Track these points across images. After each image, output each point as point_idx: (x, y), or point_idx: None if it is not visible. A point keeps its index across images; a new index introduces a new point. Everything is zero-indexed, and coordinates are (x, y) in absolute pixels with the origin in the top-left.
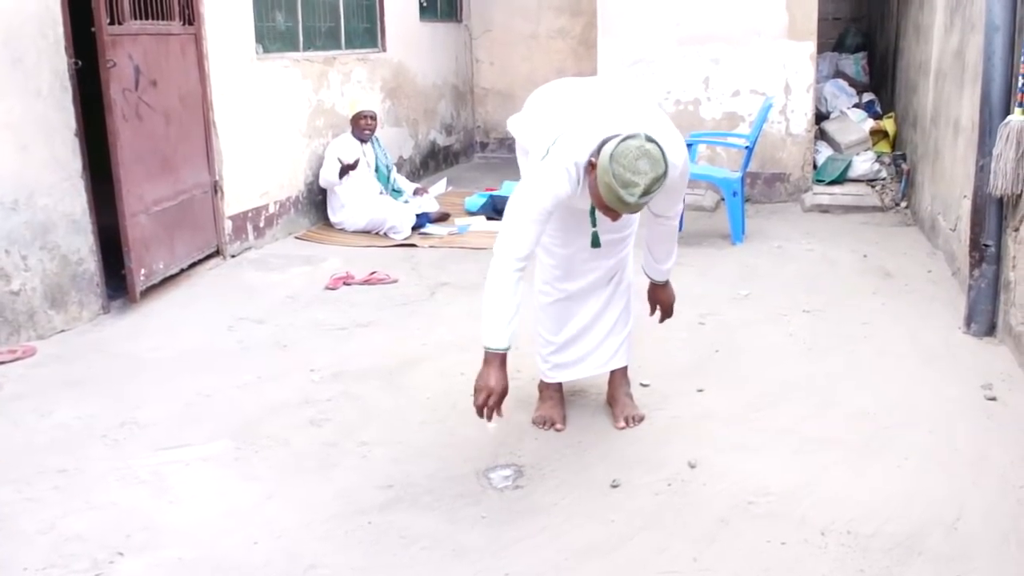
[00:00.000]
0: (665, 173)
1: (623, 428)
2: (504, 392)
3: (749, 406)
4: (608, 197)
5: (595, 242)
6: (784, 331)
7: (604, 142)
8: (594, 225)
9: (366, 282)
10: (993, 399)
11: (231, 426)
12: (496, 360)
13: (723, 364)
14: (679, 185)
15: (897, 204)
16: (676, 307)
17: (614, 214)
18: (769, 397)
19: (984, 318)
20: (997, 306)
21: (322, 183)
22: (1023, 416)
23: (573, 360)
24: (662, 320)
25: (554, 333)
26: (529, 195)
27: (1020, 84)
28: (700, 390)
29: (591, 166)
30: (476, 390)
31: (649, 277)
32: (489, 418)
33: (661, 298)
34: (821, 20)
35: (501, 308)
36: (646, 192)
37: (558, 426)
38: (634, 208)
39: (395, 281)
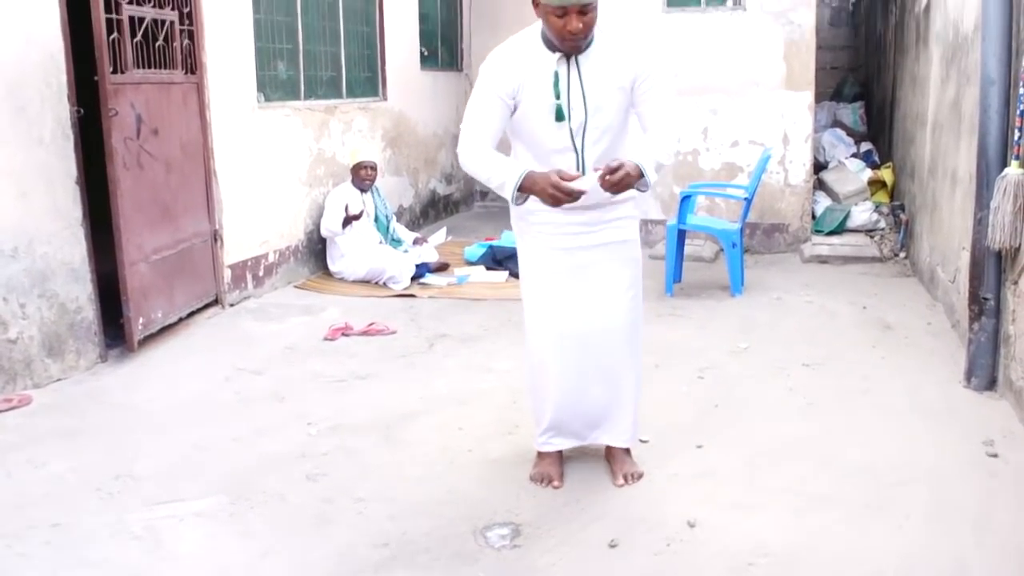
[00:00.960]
0: None
1: (622, 485)
2: (555, 172)
3: (749, 463)
4: None
5: (559, 115)
6: (784, 385)
7: None
8: (557, 98)
9: (365, 333)
10: (995, 456)
11: (226, 480)
12: (530, 176)
13: (723, 420)
14: (656, 73)
15: (896, 255)
16: (675, 360)
17: (573, 23)
18: (769, 454)
19: (984, 372)
20: (997, 360)
21: (324, 232)
22: None
23: (572, 433)
24: (604, 182)
25: (557, 394)
26: (471, 98)
27: (1016, 137)
28: (699, 446)
29: (535, 5)
30: (553, 199)
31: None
32: (577, 195)
33: (627, 168)
34: (819, 69)
35: (494, 164)
36: None
37: (556, 483)
38: None
39: (394, 332)
